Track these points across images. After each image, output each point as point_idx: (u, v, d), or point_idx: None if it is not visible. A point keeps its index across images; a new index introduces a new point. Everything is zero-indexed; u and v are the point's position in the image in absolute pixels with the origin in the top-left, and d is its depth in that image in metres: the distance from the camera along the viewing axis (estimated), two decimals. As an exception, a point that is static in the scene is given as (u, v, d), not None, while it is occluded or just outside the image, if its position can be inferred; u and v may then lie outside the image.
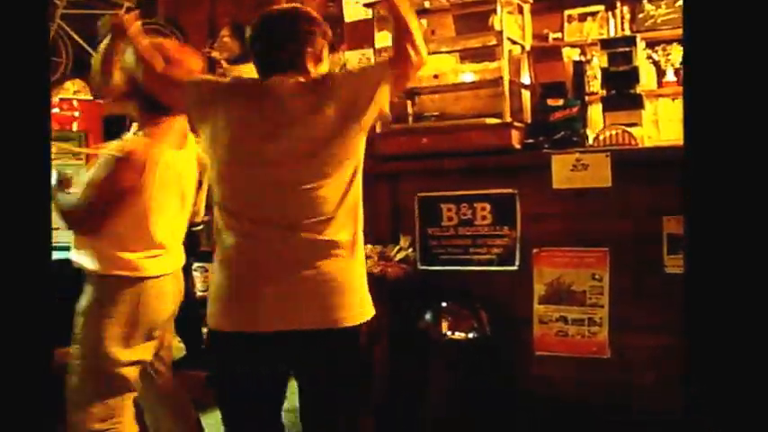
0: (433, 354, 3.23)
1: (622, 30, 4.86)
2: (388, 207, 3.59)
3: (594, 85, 4.40)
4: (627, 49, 3.75)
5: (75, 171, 2.63)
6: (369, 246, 3.35)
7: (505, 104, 3.40)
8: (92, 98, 5.12)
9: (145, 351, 2.29)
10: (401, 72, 1.97)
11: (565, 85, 3.81)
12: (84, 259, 2.27)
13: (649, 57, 4.83)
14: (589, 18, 5.05)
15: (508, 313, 3.28)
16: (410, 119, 3.86)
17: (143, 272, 2.24)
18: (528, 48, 3.82)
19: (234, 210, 1.92)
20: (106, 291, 2.23)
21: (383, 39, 3.73)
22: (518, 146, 3.42)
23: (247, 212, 1.90)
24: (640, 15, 4.86)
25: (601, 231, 3.14)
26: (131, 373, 2.26)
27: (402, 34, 1.94)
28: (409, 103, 3.88)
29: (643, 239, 3.06)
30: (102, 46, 2.45)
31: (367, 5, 3.88)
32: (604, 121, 3.72)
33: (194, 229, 3.37)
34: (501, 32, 3.48)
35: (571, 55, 4.88)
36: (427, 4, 3.66)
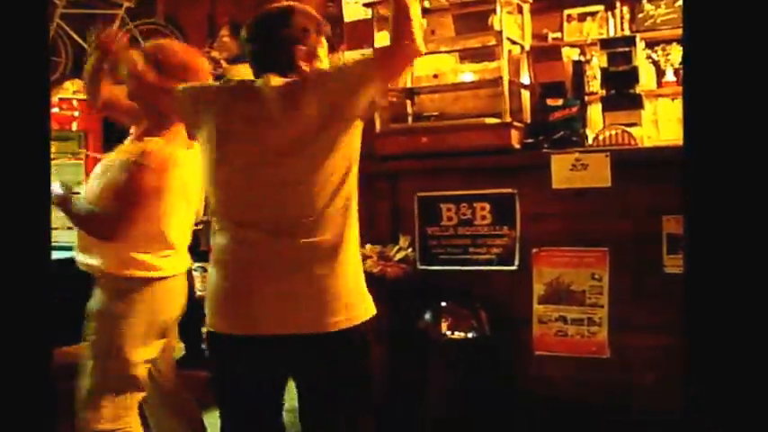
0: (432, 353, 3.23)
1: (622, 30, 4.86)
2: (387, 207, 3.59)
3: (594, 84, 4.41)
4: (626, 48, 3.76)
5: (75, 172, 2.64)
6: (368, 245, 3.35)
7: (505, 104, 3.40)
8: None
9: (156, 350, 2.31)
10: (394, 61, 1.91)
11: (564, 85, 3.81)
12: (95, 261, 2.27)
13: (649, 57, 4.84)
14: (588, 18, 5.05)
15: (507, 313, 3.28)
16: (410, 118, 3.87)
17: (159, 272, 2.27)
18: (527, 48, 3.82)
19: (224, 213, 1.93)
20: (122, 291, 2.24)
21: (383, 39, 3.72)
22: (517, 146, 3.42)
23: (235, 216, 1.91)
24: (640, 15, 4.86)
25: (600, 231, 3.14)
26: (143, 372, 2.28)
27: (401, 19, 1.86)
28: (409, 102, 3.89)
29: (643, 239, 3.06)
30: (88, 65, 2.49)
31: (366, 5, 3.88)
32: (604, 121, 3.72)
33: (194, 228, 3.37)
34: (500, 32, 3.49)
35: (571, 55, 4.88)
36: (427, 4, 3.66)
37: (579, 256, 3.18)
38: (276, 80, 1.91)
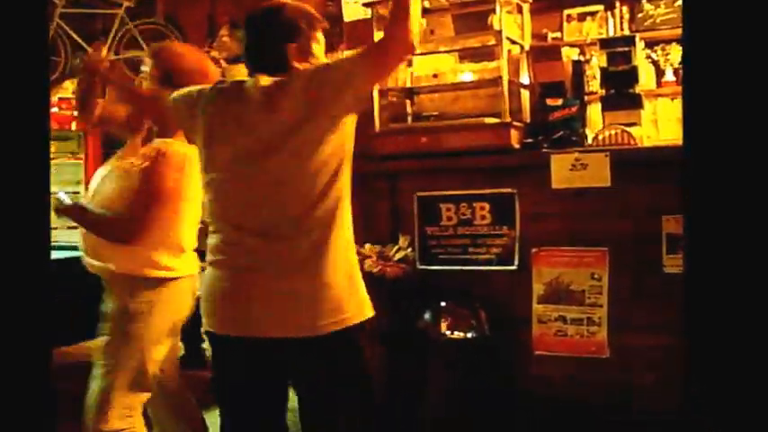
0: (432, 353, 3.23)
1: (621, 29, 4.87)
2: (387, 207, 3.59)
3: (594, 84, 4.41)
4: (626, 48, 3.75)
5: (74, 172, 2.64)
6: (367, 245, 3.35)
7: (504, 104, 3.40)
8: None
9: (167, 349, 2.34)
10: (386, 55, 1.88)
11: (564, 85, 3.81)
12: (108, 263, 2.27)
13: (648, 56, 4.84)
14: (588, 18, 5.06)
15: (507, 313, 3.28)
16: (409, 118, 3.86)
17: (174, 272, 2.28)
18: (527, 47, 3.82)
19: (217, 215, 1.94)
20: (139, 292, 2.24)
21: (382, 38, 3.72)
22: (517, 145, 3.42)
23: (227, 218, 1.91)
24: (639, 15, 4.87)
25: (600, 231, 3.14)
26: (156, 371, 2.29)
27: (399, 13, 1.82)
28: (408, 102, 3.88)
29: (642, 239, 3.06)
30: (77, 89, 2.51)
31: (366, 5, 3.87)
32: (603, 121, 3.72)
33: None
34: (500, 32, 3.48)
35: (570, 54, 4.89)
36: (427, 4, 3.65)
37: (579, 255, 3.18)
38: (265, 80, 1.90)
